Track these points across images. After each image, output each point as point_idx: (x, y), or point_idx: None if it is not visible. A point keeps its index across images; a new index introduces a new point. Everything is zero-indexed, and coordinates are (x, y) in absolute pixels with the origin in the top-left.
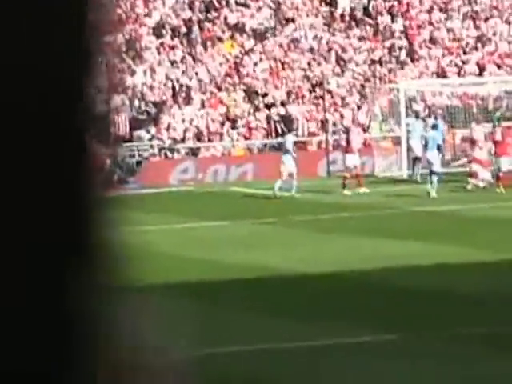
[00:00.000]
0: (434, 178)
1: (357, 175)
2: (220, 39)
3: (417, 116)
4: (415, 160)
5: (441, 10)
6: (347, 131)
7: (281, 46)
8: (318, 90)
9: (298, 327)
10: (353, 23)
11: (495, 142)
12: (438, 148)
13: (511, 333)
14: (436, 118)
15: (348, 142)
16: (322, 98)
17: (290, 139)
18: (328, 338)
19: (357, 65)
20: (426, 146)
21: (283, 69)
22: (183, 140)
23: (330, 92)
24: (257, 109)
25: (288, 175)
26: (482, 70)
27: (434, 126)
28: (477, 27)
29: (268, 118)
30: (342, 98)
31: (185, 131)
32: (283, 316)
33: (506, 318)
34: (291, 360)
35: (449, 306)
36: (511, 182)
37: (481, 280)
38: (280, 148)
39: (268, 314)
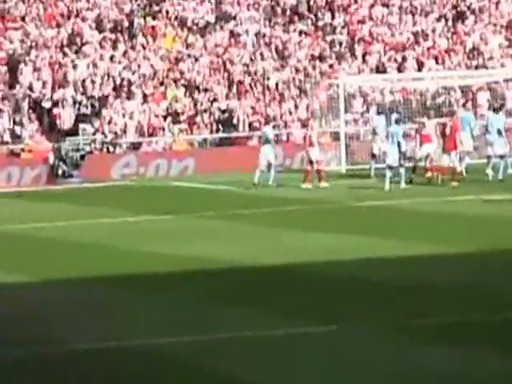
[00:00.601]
0: (389, 173)
1: (318, 170)
2: (162, 34)
3: (379, 111)
4: (374, 156)
5: (382, 5)
6: (306, 126)
7: (222, 40)
8: (259, 85)
9: (246, 317)
10: (294, 18)
11: (444, 137)
12: (398, 142)
13: (448, 323)
14: (399, 113)
15: (309, 136)
16: (263, 93)
17: (269, 130)
18: (275, 328)
19: (297, 60)
20: (388, 141)
21: (224, 64)
22: (125, 134)
23: (270, 87)
24: (199, 104)
25: (267, 165)
26: (420, 65)
27: (397, 121)
28: (416, 23)
29: (209, 113)
30: (283, 93)
31: (126, 126)
32: (231, 306)
33: (443, 309)
34: (243, 349)
35: (389, 297)
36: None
37: (412, 271)
38: (221, 143)
39: (216, 304)
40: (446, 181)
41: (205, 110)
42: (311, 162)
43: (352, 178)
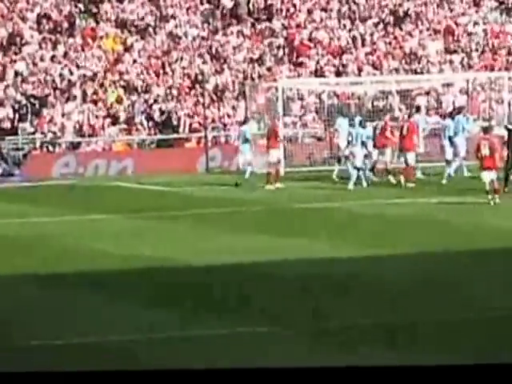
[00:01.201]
0: (355, 173)
1: (276, 170)
2: (101, 35)
3: (343, 114)
4: (339, 158)
5: (320, 9)
6: (270, 127)
7: (161, 42)
8: (197, 87)
9: (181, 317)
10: (233, 21)
11: (401, 138)
12: (362, 143)
13: (381, 325)
14: (362, 116)
15: (272, 137)
16: (202, 95)
17: (248, 129)
18: (209, 328)
19: (236, 63)
20: (349, 143)
21: (163, 66)
22: (64, 134)
23: (209, 89)
24: (137, 105)
25: (247, 163)
26: (359, 69)
27: (361, 123)
28: (355, 27)
29: (148, 115)
30: (221, 96)
31: (66, 126)
32: (166, 306)
33: (369, 310)
34: (176, 349)
35: (321, 298)
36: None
37: (344, 271)
38: (160, 144)
39: (153, 304)
40: (403, 181)
41: (144, 112)
42: (273, 163)
43: (292, 180)
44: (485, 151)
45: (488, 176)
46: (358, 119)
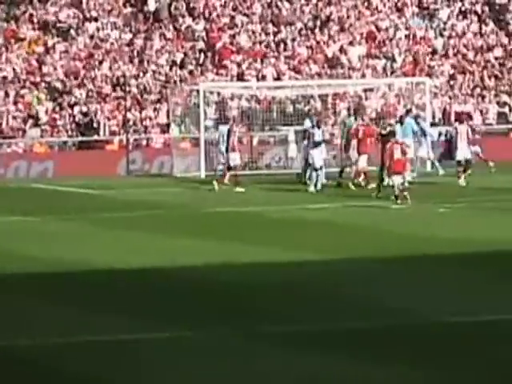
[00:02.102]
0: (315, 175)
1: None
2: (24, 36)
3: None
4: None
5: (242, 14)
6: (229, 131)
7: (84, 45)
8: (119, 89)
9: (105, 321)
10: (155, 24)
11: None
12: (319, 144)
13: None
14: (311, 118)
15: (232, 141)
16: (124, 97)
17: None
18: (134, 333)
19: (158, 66)
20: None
21: (85, 68)
22: None
23: (130, 92)
24: (59, 107)
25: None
26: (280, 74)
27: (313, 126)
28: (277, 32)
29: (70, 117)
30: (143, 99)
31: None
32: (89, 309)
33: (294, 315)
34: (97, 353)
35: (253, 303)
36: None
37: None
38: (81, 146)
39: (75, 307)
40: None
41: (66, 113)
42: (232, 168)
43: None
44: (397, 155)
45: (396, 180)
46: (313, 120)
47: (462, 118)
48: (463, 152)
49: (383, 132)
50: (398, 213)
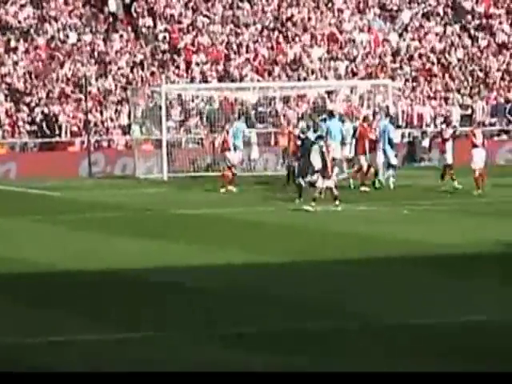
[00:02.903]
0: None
1: (233, 174)
2: None
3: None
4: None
5: (203, 15)
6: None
7: (44, 45)
8: (79, 91)
9: (54, 321)
10: (116, 25)
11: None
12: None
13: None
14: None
15: (226, 140)
16: (85, 99)
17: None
18: (87, 333)
19: (119, 67)
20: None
21: (46, 69)
22: None
23: (91, 93)
24: (19, 108)
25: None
26: (242, 75)
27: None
28: (238, 33)
29: (31, 118)
30: (103, 100)
31: None
32: (47, 309)
33: (250, 317)
34: (57, 352)
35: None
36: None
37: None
38: (43, 148)
39: (35, 306)
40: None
41: (26, 115)
42: (230, 167)
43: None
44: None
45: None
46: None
47: (448, 121)
48: (451, 156)
49: (301, 136)
50: (364, 215)
